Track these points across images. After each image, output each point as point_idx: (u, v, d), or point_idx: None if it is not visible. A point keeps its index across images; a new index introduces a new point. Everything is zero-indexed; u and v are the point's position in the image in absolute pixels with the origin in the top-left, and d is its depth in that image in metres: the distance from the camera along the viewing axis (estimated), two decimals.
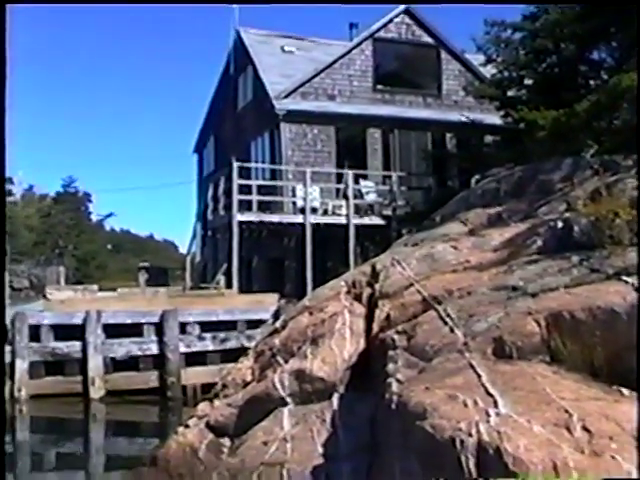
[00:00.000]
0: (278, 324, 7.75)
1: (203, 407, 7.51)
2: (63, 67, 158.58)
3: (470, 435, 3.81)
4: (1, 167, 8.56)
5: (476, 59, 26.76)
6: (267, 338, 7.68)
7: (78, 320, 18.43)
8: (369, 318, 6.96)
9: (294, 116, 26.59)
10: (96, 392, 18.12)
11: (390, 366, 5.43)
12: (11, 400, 18.22)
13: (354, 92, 28.34)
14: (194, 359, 18.56)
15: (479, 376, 4.50)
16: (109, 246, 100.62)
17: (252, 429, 6.52)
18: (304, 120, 26.81)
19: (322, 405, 6.22)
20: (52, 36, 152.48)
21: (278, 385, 6.53)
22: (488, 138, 26.59)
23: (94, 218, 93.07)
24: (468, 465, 3.75)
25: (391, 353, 5.67)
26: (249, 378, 7.40)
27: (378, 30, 28.93)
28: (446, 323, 5.82)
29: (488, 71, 24.89)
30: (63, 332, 18.61)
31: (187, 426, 7.33)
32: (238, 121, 31.24)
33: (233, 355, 15.56)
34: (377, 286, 7.21)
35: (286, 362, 6.80)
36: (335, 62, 28.26)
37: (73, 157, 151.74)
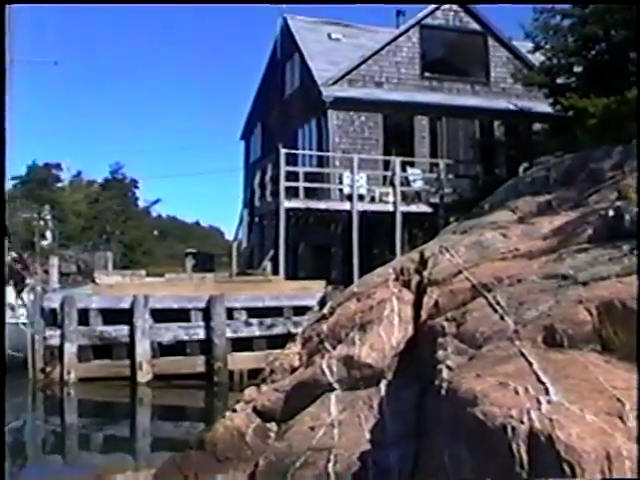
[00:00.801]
0: (326, 310, 7.76)
1: (250, 392, 7.55)
2: (112, 55, 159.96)
3: (522, 422, 3.79)
4: (1, 167, 8.62)
5: (524, 46, 26.48)
6: (315, 324, 7.70)
7: (126, 305, 18.64)
8: (417, 305, 6.95)
9: (341, 103, 26.55)
10: (143, 376, 18.33)
11: (440, 353, 5.42)
12: (60, 383, 18.55)
13: (401, 79, 28.22)
14: (240, 344, 18.69)
15: (530, 364, 4.47)
16: (155, 232, 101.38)
17: (299, 414, 6.54)
18: (351, 107, 26.76)
19: (369, 391, 6.22)
20: (103, 23, 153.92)
21: (326, 371, 6.55)
22: (536, 126, 26.34)
23: (141, 204, 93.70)
24: (519, 452, 3.74)
25: (440, 340, 5.66)
26: (296, 364, 7.43)
27: (425, 17, 28.75)
28: (496, 311, 5.78)
29: (536, 58, 24.60)
30: (111, 316, 18.84)
31: (235, 410, 7.38)
32: (285, 108, 31.27)
33: (279, 341, 15.64)
34: (425, 273, 7.19)
35: (334, 348, 6.81)
36: (382, 49, 28.15)
37: (120, 144, 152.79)
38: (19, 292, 22.68)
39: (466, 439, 4.17)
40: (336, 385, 6.47)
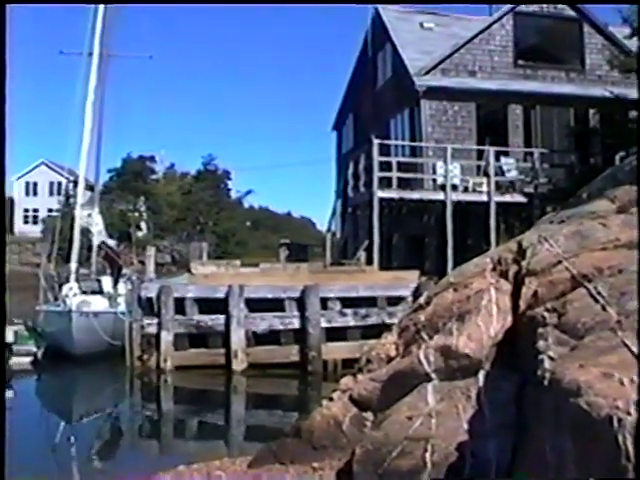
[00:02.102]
0: (422, 300, 7.71)
1: (347, 381, 7.56)
2: (205, 49, 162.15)
3: (628, 414, 3.73)
4: (1, 166, 8.79)
5: (620, 32, 25.85)
6: (411, 314, 7.66)
7: (221, 294, 18.91)
8: (515, 295, 6.86)
9: (434, 93, 26.39)
10: (238, 365, 18.57)
11: (540, 343, 5.35)
12: (156, 370, 18.95)
13: (495, 68, 27.88)
14: (335, 334, 18.76)
15: (634, 355, 4.38)
16: (248, 223, 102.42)
17: (396, 404, 6.53)
18: (444, 96, 26.57)
19: (467, 382, 6.18)
20: (196, 19, 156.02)
21: (423, 361, 6.53)
22: (633, 113, 25.69)
23: (233, 195, 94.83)
24: (625, 444, 3.67)
25: (541, 330, 5.58)
26: (393, 353, 7.41)
27: (519, 4, 28.28)
28: (597, 301, 5.68)
29: (633, 44, 23.99)
30: (207, 305, 19.15)
31: (331, 399, 7.41)
32: (377, 98, 31.21)
33: (373, 331, 15.68)
34: (524, 263, 7.09)
35: (431, 338, 6.78)
36: (475, 37, 27.85)
37: (213, 136, 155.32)
38: (116, 282, 23.26)
39: (569, 430, 4.12)
40: (433, 375, 6.44)
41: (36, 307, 22.99)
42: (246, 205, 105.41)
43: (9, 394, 18.65)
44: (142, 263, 37.38)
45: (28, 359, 20.07)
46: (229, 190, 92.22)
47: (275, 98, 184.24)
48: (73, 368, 19.97)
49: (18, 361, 19.88)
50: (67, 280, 22.74)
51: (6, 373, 19.55)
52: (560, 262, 6.71)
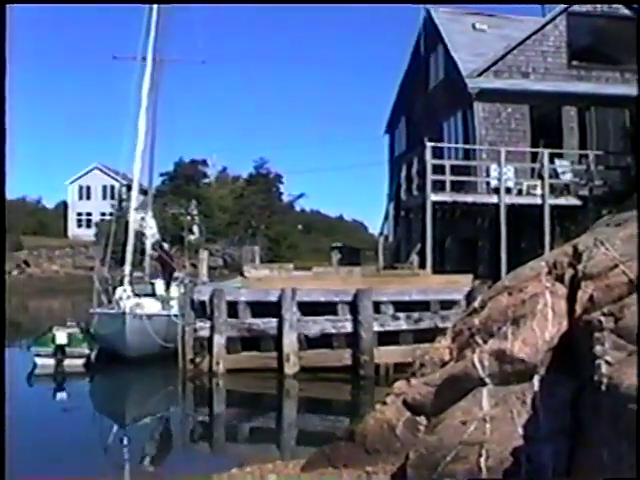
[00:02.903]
0: (476, 304, 7.68)
1: (400, 385, 7.56)
2: (258, 54, 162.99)
3: None
4: (1, 166, 8.93)
5: None
6: (465, 318, 7.64)
7: (274, 297, 18.97)
8: (571, 299, 6.81)
9: (487, 95, 26.23)
10: (290, 368, 18.61)
11: (597, 348, 5.31)
12: (209, 373, 19.07)
13: (548, 69, 27.62)
14: (387, 338, 18.71)
15: None
16: (300, 226, 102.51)
17: (450, 408, 6.53)
18: (498, 99, 26.39)
19: (522, 386, 6.15)
20: (247, 23, 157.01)
21: (477, 365, 6.51)
22: None
23: (285, 199, 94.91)
24: None
25: (597, 335, 5.54)
26: (447, 357, 7.40)
27: (572, 4, 27.97)
28: None
29: None
30: (259, 309, 19.22)
31: (384, 403, 7.42)
32: (429, 101, 31.11)
33: (426, 335, 15.60)
34: (580, 267, 7.02)
35: (485, 342, 6.76)
36: (528, 38, 27.60)
37: (265, 139, 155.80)
38: (168, 285, 23.46)
39: (627, 436, 4.09)
40: (487, 380, 6.42)
41: (90, 310, 23.30)
42: (298, 209, 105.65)
43: (62, 396, 19.00)
44: (194, 266, 37.68)
45: (81, 361, 20.36)
46: (281, 194, 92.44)
47: (327, 101, 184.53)
48: (126, 370, 20.21)
49: (71, 363, 20.21)
50: (121, 283, 23.03)
51: (59, 375, 19.93)
52: (617, 266, 6.65)
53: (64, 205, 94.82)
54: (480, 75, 26.65)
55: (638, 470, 3.42)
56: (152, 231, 25.30)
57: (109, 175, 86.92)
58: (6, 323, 18.91)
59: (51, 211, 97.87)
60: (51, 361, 20.17)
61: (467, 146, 26.45)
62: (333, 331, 18.87)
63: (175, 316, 20.34)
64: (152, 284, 24.12)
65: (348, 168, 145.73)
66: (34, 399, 17.56)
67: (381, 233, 29.74)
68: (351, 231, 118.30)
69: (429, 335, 14.67)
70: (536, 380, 6.13)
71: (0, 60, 7.56)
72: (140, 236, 25.11)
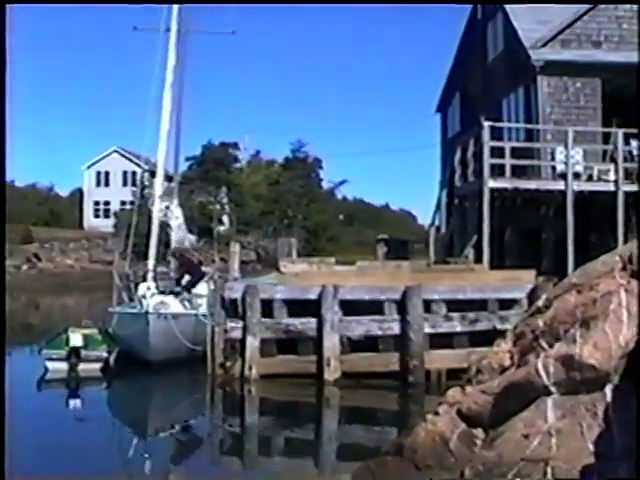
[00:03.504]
0: (540, 303, 7.65)
1: (454, 393, 7.56)
2: (294, 25, 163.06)
3: None
4: (1, 164, 9.06)
5: None
6: (528, 319, 7.61)
7: (313, 295, 18.97)
8: None
9: (553, 67, 26.05)
10: (331, 374, 18.61)
11: None
12: (240, 379, 19.14)
13: (623, 37, 27.33)
14: (439, 341, 18.66)
15: None
16: (341, 216, 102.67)
17: (510, 420, 6.52)
18: (564, 72, 26.20)
19: (593, 396, 6.12)
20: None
21: (541, 372, 6.48)
22: None
23: (325, 186, 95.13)
24: None
25: None
26: (507, 363, 7.38)
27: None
28: None
29: None
30: (297, 308, 19.25)
31: (437, 413, 7.42)
32: (487, 75, 30.97)
33: (483, 338, 15.61)
34: None
35: (551, 346, 6.72)
36: (600, 2, 27.30)
37: (303, 120, 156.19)
38: (190, 287, 23.44)
39: None
40: (553, 388, 6.39)
41: (108, 309, 23.49)
42: (339, 197, 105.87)
43: (76, 404, 19.19)
44: (224, 261, 37.83)
45: (98, 365, 20.48)
46: (320, 180, 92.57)
47: (372, 76, 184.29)
48: (148, 376, 20.34)
49: (86, 367, 20.32)
50: (143, 279, 23.15)
51: (73, 381, 20.13)
52: None
53: (79, 193, 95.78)
54: (545, 45, 26.44)
55: (638, 470, 3.39)
56: (178, 221, 25.40)
57: (130, 159, 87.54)
58: (6, 323, 19.04)
59: (65, 199, 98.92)
60: (64, 365, 20.32)
61: (530, 126, 26.30)
62: (379, 333, 18.86)
63: (203, 316, 20.44)
64: (178, 280, 24.22)
65: (395, 151, 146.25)
66: (44, 407, 17.68)
67: (432, 224, 29.70)
68: (398, 222, 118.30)
69: (486, 338, 14.64)
70: (608, 390, 6.10)
71: (0, 60, 7.91)
72: (165, 227, 25.22)
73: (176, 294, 22.88)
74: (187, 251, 25.83)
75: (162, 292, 22.74)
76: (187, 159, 77.16)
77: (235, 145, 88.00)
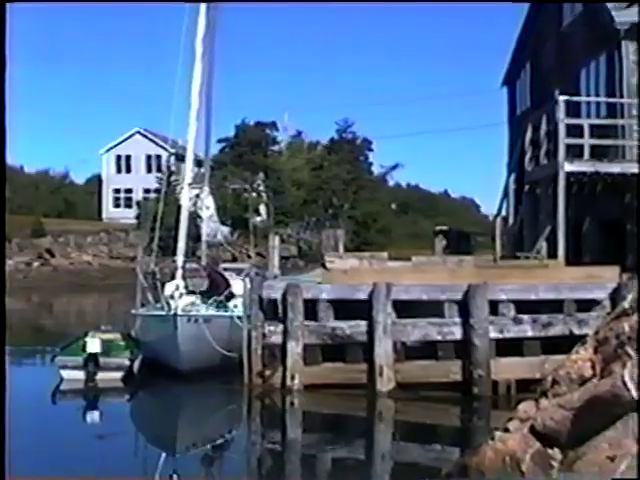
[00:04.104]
0: (626, 304, 7.58)
1: (526, 408, 7.51)
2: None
3: None
4: (1, 161, 9.27)
5: None
6: (612, 323, 7.54)
7: (363, 295, 19.01)
8: None
9: None
10: (384, 384, 18.64)
11: None
12: (281, 390, 19.23)
13: None
14: (508, 347, 18.60)
15: None
16: (393, 205, 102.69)
17: (593, 439, 6.46)
18: None
19: None
20: None
21: (629, 384, 6.41)
22: None
23: (376, 171, 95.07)
24: None
25: None
26: (588, 373, 7.32)
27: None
28: None
29: None
30: (345, 309, 19.31)
31: (506, 430, 7.37)
32: (563, 42, 30.72)
33: (558, 344, 15.51)
34: None
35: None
36: None
37: (350, 95, 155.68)
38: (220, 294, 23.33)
39: None
40: None
41: (131, 311, 23.63)
42: (391, 183, 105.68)
43: (94, 417, 19.35)
44: (261, 256, 37.99)
45: (119, 374, 20.69)
46: (370, 164, 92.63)
47: (426, 45, 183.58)
48: (176, 386, 20.49)
49: (106, 377, 20.55)
50: (171, 277, 23.23)
51: (91, 391, 20.31)
52: None
53: (98, 180, 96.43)
54: (631, 5, 26.15)
55: (638, 470, 3.34)
56: (209, 212, 25.55)
57: (154, 142, 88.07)
58: (5, 323, 19.18)
59: (81, 188, 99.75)
60: (81, 374, 20.54)
61: (612, 100, 26.02)
62: (438, 338, 18.85)
63: (239, 318, 20.50)
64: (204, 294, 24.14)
65: (455, 131, 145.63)
66: (59, 422, 17.89)
67: (498, 214, 29.56)
68: (459, 211, 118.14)
69: (562, 344, 14.56)
70: None
71: (0, 59, 8.23)
72: (194, 218, 25.33)
73: (208, 295, 22.95)
74: (217, 263, 25.86)
75: (192, 292, 22.84)
76: (219, 141, 77.71)
77: (273, 125, 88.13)
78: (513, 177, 28.28)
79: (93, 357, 20.55)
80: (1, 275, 20.23)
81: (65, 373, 20.62)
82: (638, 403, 3.85)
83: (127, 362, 20.82)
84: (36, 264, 63.04)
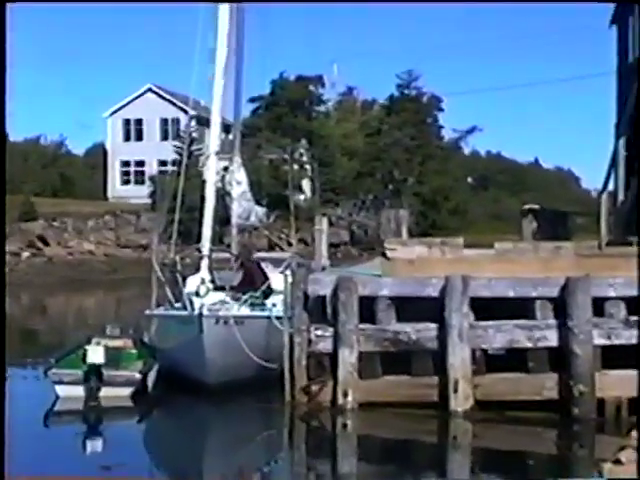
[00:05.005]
0: None
1: None
2: None
3: None
4: (1, 159, 9.58)
5: None
6: None
7: (434, 291, 19.04)
8: None
9: None
10: (460, 402, 18.66)
11: None
12: (331, 409, 19.18)
13: None
14: (617, 357, 18.48)
15: None
16: (470, 179, 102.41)
17: None
18: None
19: None
20: None
21: None
22: None
23: (447, 136, 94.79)
24: None
25: None
26: None
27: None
28: None
29: None
30: (411, 309, 19.28)
31: (618, 462, 7.39)
32: None
33: None
34: None
35: None
36: None
37: (412, 42, 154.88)
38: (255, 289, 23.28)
39: None
40: None
41: (145, 311, 23.67)
42: (467, 151, 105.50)
43: (97, 445, 19.30)
44: (305, 243, 38.03)
45: (127, 390, 20.62)
46: (440, 128, 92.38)
47: None
48: (201, 405, 20.56)
49: (111, 393, 20.48)
50: (196, 270, 23.22)
51: (93, 412, 20.30)
52: None
53: (102, 150, 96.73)
54: None
55: (638, 470, 3.31)
56: (241, 189, 25.52)
57: (171, 102, 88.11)
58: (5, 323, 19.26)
59: (81, 160, 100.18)
60: (80, 390, 20.49)
61: None
62: (528, 344, 18.77)
63: (279, 319, 20.49)
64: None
65: (547, 84, 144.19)
66: (53, 450, 17.76)
67: (604, 188, 29.37)
68: (553, 185, 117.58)
69: None
70: None
71: (0, 59, 8.64)
72: (223, 197, 25.31)
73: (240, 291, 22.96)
74: (250, 252, 25.82)
75: (221, 287, 22.81)
76: (251, 100, 77.58)
77: (319, 80, 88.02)
78: (623, 142, 28.11)
79: (95, 369, 20.46)
80: (1, 275, 20.42)
81: (61, 390, 20.53)
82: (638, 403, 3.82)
83: (138, 375, 20.75)
84: (26, 254, 63.13)
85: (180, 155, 46.67)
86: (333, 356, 19.32)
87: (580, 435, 17.97)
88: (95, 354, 20.53)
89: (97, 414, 20.39)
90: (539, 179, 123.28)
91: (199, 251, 23.49)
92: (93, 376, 20.43)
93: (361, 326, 19.23)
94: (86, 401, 20.42)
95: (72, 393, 20.45)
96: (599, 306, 18.62)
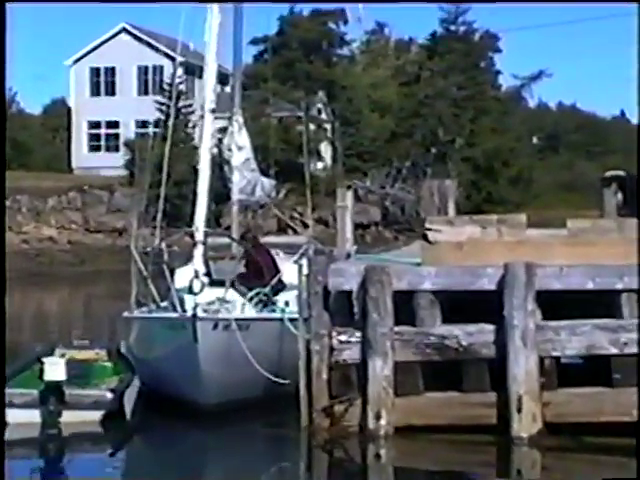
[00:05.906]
0: None
1: None
2: None
3: None
4: (1, 156, 9.85)
5: None
6: None
7: (490, 283, 19.04)
8: None
9: None
10: (524, 425, 18.62)
11: None
12: (360, 435, 19.18)
13: None
14: None
15: None
16: (535, 139, 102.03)
17: None
18: None
19: None
20: None
21: None
22: None
23: (505, 84, 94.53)
24: None
25: None
26: None
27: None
28: None
29: None
30: (459, 306, 19.33)
31: None
32: None
33: None
34: None
35: None
36: None
37: None
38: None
39: None
40: None
41: (123, 313, 23.72)
42: (532, 104, 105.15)
43: None
44: (324, 224, 38.09)
45: (97, 414, 20.45)
46: (497, 74, 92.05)
47: None
48: (194, 432, 20.63)
49: (76, 418, 20.27)
50: (187, 260, 23.23)
51: (53, 441, 20.09)
52: None
53: (65, 109, 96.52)
54: None
55: (638, 470, 3.44)
56: (243, 156, 25.54)
57: (152, 46, 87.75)
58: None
59: (37, 120, 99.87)
60: (36, 415, 20.30)
61: None
62: (612, 350, 18.76)
63: (293, 322, 20.50)
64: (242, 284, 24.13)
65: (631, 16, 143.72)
66: None
67: None
68: None
69: None
70: None
71: (0, 59, 9.17)
72: (220, 166, 25.33)
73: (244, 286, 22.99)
74: (256, 236, 25.75)
75: (219, 282, 22.76)
76: (254, 42, 77.40)
77: (340, 15, 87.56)
78: None
79: (55, 388, 20.17)
80: (1, 275, 20.63)
81: (11, 414, 20.03)
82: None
83: (109, 395, 20.58)
84: None
85: (164, 114, 46.74)
86: (362, 367, 19.29)
87: None
88: (54, 369, 20.20)
89: (57, 445, 20.11)
90: (626, 138, 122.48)
91: (191, 236, 23.42)
92: (52, 397, 20.12)
93: (397, 329, 19.20)
94: (43, 428, 20.15)
95: (25, 418, 20.10)
96: None
